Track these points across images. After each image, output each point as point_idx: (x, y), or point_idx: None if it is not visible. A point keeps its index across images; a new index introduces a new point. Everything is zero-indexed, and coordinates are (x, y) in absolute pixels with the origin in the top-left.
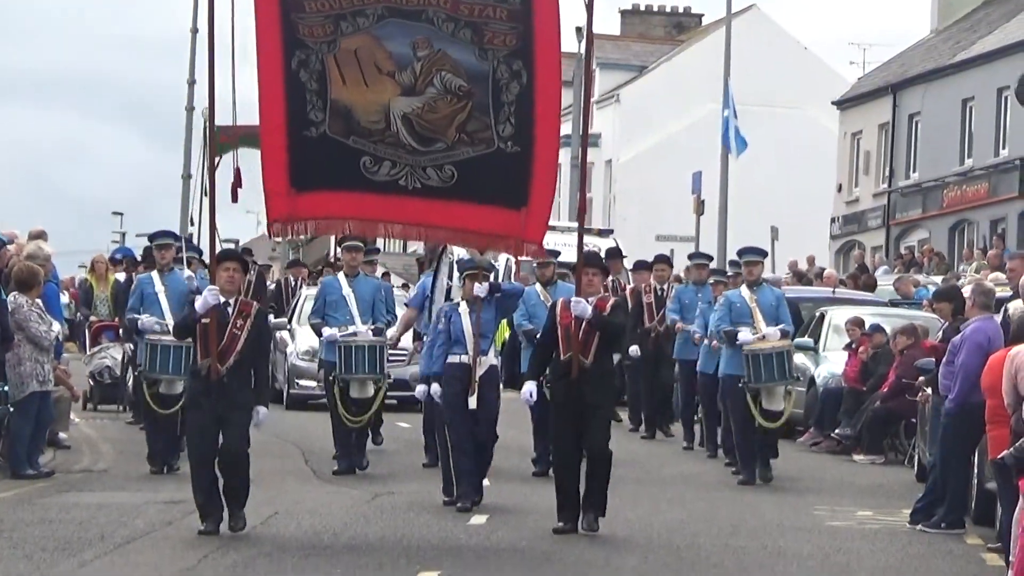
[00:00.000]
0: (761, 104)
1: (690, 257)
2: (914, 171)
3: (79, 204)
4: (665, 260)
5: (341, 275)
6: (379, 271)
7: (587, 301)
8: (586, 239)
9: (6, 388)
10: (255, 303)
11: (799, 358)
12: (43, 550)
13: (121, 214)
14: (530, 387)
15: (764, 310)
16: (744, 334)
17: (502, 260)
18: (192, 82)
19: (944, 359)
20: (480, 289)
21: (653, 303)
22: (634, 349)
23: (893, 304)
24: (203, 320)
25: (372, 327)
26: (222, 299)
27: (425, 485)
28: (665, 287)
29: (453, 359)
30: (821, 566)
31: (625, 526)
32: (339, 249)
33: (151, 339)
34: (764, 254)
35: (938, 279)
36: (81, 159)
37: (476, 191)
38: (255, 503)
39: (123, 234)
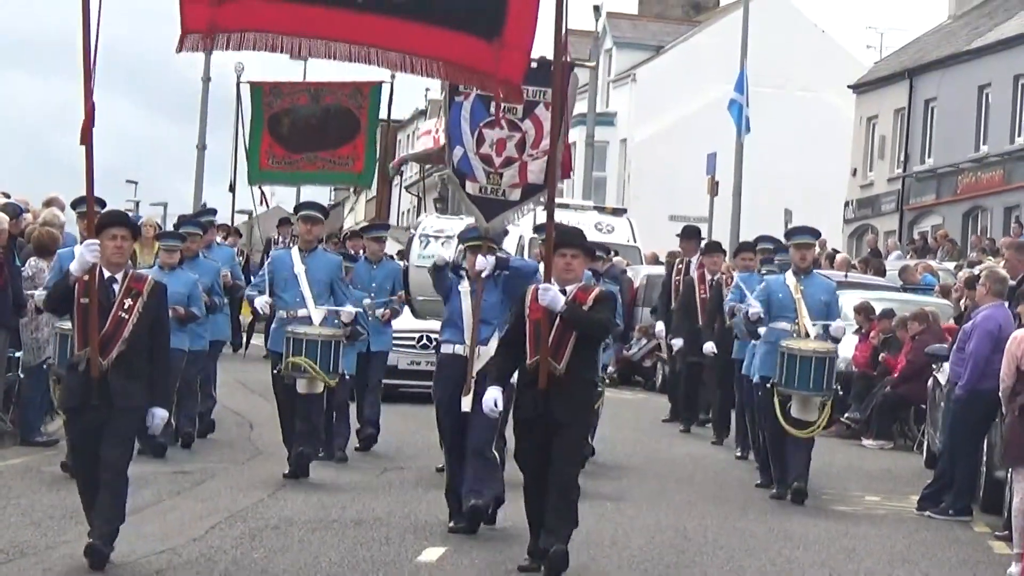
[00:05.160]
0: (777, 87)
1: (757, 241)
2: (929, 156)
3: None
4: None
5: (295, 249)
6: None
7: (562, 290)
8: (600, 218)
9: (18, 355)
10: (149, 278)
11: None
12: (51, 518)
13: (135, 183)
14: (493, 394)
15: (811, 305)
16: (752, 307)
17: (513, 236)
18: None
19: (955, 345)
20: (484, 264)
21: None
22: (709, 347)
23: (905, 289)
24: (83, 301)
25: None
26: (107, 273)
27: (434, 461)
28: None
29: (447, 349)
30: (827, 550)
31: (632, 506)
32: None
33: (61, 328)
34: (817, 235)
35: (950, 265)
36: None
37: (441, 11)
38: (263, 476)
39: (137, 203)
